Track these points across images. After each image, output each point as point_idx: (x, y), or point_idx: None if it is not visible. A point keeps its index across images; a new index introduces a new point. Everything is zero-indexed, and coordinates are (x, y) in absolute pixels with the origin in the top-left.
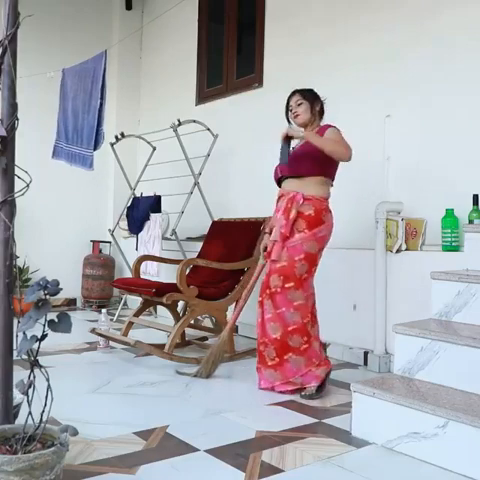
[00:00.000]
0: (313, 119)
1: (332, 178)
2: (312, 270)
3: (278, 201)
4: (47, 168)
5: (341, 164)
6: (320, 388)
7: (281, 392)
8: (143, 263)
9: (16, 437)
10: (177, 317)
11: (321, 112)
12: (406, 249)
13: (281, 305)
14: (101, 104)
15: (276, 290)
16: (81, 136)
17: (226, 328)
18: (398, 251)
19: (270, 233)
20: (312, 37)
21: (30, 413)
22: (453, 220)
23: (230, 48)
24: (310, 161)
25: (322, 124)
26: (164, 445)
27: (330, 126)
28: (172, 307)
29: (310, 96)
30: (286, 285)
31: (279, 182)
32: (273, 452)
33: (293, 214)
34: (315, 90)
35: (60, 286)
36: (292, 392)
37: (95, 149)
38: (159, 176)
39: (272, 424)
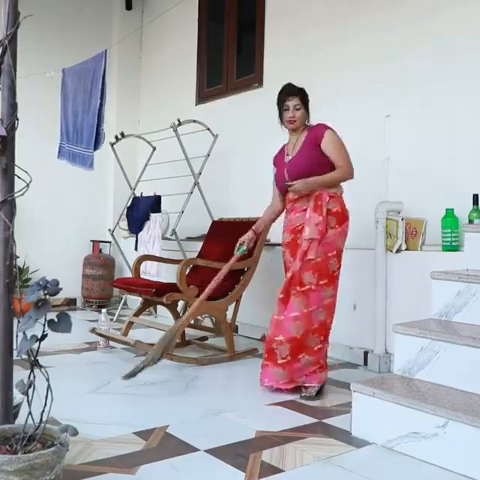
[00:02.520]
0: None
1: None
2: (340, 266)
3: (294, 202)
4: (47, 168)
5: None
6: (320, 390)
7: (279, 390)
8: (143, 263)
9: (16, 437)
10: (177, 317)
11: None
12: (406, 249)
13: (313, 303)
14: (101, 104)
15: (310, 287)
16: (81, 136)
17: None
18: (398, 251)
19: (254, 232)
20: (312, 37)
21: (30, 413)
22: (453, 220)
23: (230, 48)
24: (316, 165)
25: (312, 121)
26: (164, 445)
27: (327, 128)
28: (172, 307)
29: (306, 100)
30: (320, 282)
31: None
32: (273, 452)
33: (325, 211)
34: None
35: (60, 286)
36: (292, 390)
37: (96, 149)
38: (159, 176)
39: (272, 424)
